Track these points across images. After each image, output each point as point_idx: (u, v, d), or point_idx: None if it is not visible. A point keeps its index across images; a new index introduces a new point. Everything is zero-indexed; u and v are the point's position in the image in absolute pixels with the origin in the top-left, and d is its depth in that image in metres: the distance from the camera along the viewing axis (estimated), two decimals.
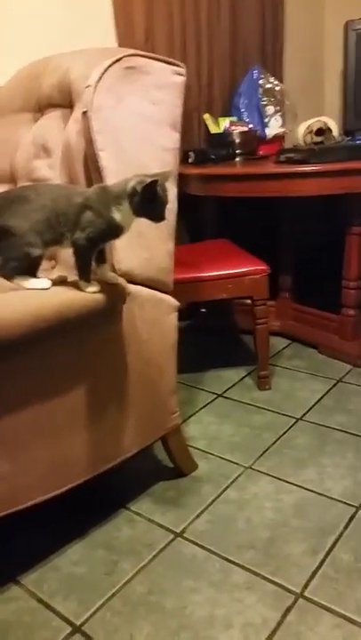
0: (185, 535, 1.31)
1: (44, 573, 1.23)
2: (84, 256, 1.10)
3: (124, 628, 1.09)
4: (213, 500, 1.42)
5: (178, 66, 1.23)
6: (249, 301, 1.86)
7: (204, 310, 2.47)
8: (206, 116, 2.41)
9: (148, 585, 1.18)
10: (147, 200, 1.02)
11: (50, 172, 1.39)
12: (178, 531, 1.33)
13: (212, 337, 2.42)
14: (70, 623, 1.11)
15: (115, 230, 1.08)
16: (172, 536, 1.31)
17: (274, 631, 1.06)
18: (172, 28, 2.24)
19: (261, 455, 1.59)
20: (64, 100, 1.39)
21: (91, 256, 1.11)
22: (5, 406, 1.06)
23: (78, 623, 1.11)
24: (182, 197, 1.34)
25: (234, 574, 1.20)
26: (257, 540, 1.28)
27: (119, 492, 1.48)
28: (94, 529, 1.35)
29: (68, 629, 1.10)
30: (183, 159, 2.13)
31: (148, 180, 1.01)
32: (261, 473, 1.51)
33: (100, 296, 1.12)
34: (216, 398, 1.93)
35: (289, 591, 1.14)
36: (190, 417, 1.81)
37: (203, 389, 1.99)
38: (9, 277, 1.09)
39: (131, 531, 1.34)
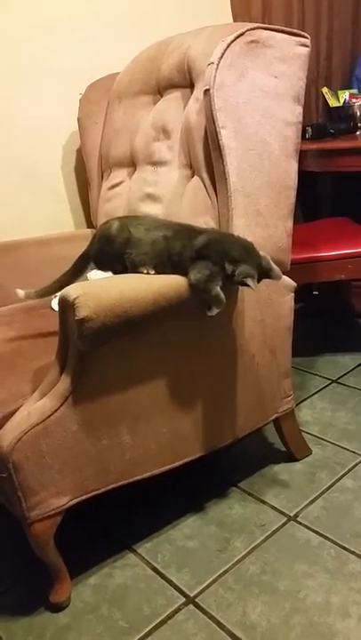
0: (298, 519, 1.29)
1: (159, 544, 1.27)
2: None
3: (237, 605, 1.10)
4: (329, 487, 1.38)
5: (302, 36, 1.18)
6: None
7: (316, 293, 2.39)
8: (325, 90, 2.31)
9: (260, 565, 1.18)
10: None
11: (169, 153, 1.40)
12: (291, 514, 1.31)
13: (326, 320, 2.33)
14: (184, 594, 1.14)
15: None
16: (284, 519, 1.30)
17: None
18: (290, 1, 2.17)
19: None
20: (184, 80, 1.39)
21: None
22: (130, 380, 1.11)
23: (192, 595, 1.14)
24: (298, 174, 1.29)
25: (350, 563, 1.16)
26: None
27: (231, 471, 1.48)
28: (206, 505, 1.37)
29: (182, 599, 1.13)
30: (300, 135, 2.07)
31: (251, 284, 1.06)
32: None
33: None
34: (330, 384, 1.87)
35: None
36: (303, 402, 1.77)
37: (316, 374, 1.93)
38: None
39: (242, 510, 1.34)
